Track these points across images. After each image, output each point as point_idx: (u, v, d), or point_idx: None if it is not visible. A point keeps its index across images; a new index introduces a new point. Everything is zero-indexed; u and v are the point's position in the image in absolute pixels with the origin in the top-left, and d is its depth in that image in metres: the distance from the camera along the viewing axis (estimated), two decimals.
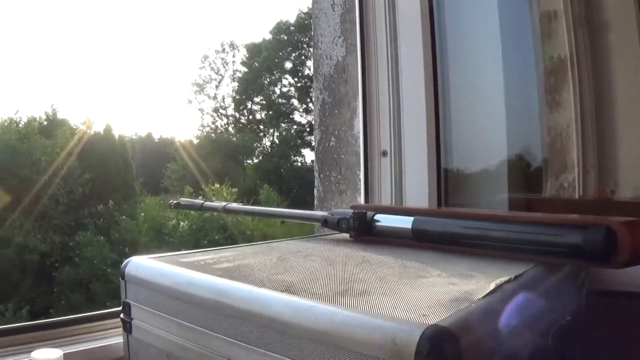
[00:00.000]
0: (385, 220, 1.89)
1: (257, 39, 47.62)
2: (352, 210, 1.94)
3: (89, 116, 26.54)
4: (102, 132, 25.21)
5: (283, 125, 45.43)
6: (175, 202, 2.60)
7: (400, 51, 2.66)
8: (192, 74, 64.78)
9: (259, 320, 1.19)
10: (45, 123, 26.19)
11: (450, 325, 0.96)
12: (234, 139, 41.93)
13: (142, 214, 21.80)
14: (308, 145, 45.80)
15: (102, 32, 68.24)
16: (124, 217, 21.99)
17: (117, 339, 2.34)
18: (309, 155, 46.48)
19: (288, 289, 1.23)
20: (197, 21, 71.79)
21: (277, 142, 44.58)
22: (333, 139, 2.94)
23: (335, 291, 1.22)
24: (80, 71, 67.96)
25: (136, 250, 20.48)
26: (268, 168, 39.79)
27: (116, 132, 26.26)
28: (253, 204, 21.52)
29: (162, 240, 20.35)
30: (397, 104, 2.64)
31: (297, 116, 46.58)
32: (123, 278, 1.64)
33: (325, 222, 1.98)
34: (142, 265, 1.61)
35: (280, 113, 45.34)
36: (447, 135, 2.63)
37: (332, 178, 2.93)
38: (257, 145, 43.53)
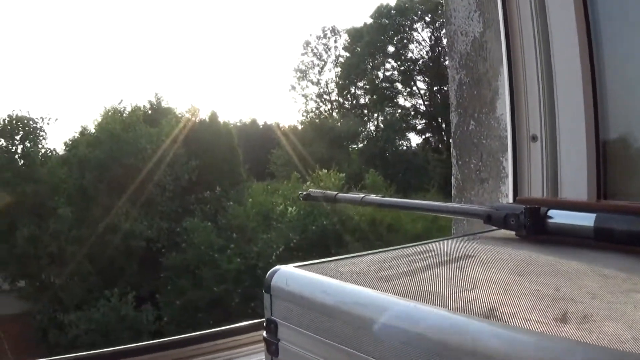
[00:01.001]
0: (560, 217, 1.62)
1: (358, 24, 47.45)
2: (521, 205, 1.66)
3: (193, 103, 26.65)
4: (207, 119, 25.42)
5: (387, 109, 45.32)
6: (304, 193, 2.39)
7: (550, 22, 2.38)
8: (294, 60, 65.03)
9: (458, 355, 0.93)
10: (149, 112, 26.51)
11: None
12: (339, 124, 41.91)
13: (250, 199, 21.82)
14: (413, 129, 45.65)
15: (205, 21, 69.04)
16: (231, 202, 22.06)
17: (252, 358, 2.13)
18: (414, 139, 46.31)
19: (492, 314, 0.97)
20: (298, 7, 72.13)
21: (382, 126, 44.43)
22: (472, 122, 2.68)
23: (551, 316, 0.96)
24: (184, 60, 69.00)
25: (245, 235, 20.54)
26: (373, 152, 39.63)
27: (221, 119, 26.49)
28: (360, 189, 21.39)
29: (269, 225, 20.32)
30: (549, 83, 2.36)
31: (401, 100, 46.45)
32: (268, 291, 1.40)
33: (488, 219, 1.71)
34: (293, 276, 1.37)
35: (384, 97, 45.22)
36: (606, 117, 2.34)
37: (472, 165, 2.67)
38: (361, 129, 43.43)
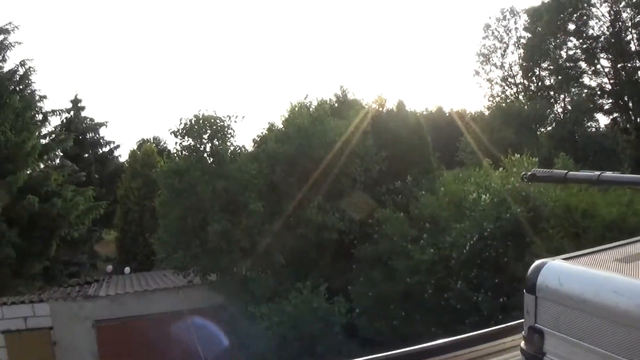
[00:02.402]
0: None
1: (536, 3, 46.47)
2: None
3: (379, 94, 26.50)
4: (394, 109, 25.23)
5: (573, 89, 44.24)
6: (529, 173, 2.12)
7: None
8: (476, 45, 64.64)
9: None
10: (335, 105, 26.61)
11: None
12: (525, 107, 41.01)
13: (442, 188, 21.47)
14: (600, 109, 44.38)
15: (386, 11, 69.56)
16: (422, 192, 21.86)
17: None
18: (602, 120, 45.12)
19: None
20: None
21: (569, 107, 43.43)
22: None
23: None
24: (368, 51, 69.93)
25: (438, 225, 20.15)
26: (562, 135, 38.70)
27: (408, 108, 26.26)
28: None
29: (462, 214, 19.85)
30: None
31: (586, 79, 45.34)
32: (532, 292, 1.06)
33: None
34: (568, 272, 1.03)
35: (569, 77, 44.20)
36: None
37: None
38: (548, 112, 42.50)
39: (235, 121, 22.48)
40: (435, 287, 18.93)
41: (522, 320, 1.66)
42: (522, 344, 1.21)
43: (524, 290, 1.21)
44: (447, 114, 47.42)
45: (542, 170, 2.21)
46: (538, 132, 40.06)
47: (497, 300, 17.49)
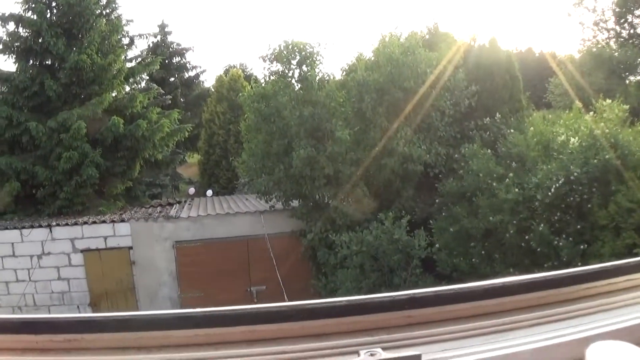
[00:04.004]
0: None
1: None
2: None
3: (471, 29, 26.12)
4: (487, 45, 24.67)
5: None
6: None
7: None
8: None
9: None
10: (427, 37, 26.27)
11: None
12: (616, 54, 40.01)
13: (531, 128, 20.99)
14: None
15: None
16: (511, 130, 21.60)
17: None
18: None
19: None
20: None
21: None
22: None
23: None
24: None
25: (524, 165, 19.72)
26: None
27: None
28: (631, 125, 20.19)
29: (549, 156, 19.38)
30: None
31: None
32: None
33: None
34: None
35: None
36: None
37: None
38: (639, 61, 41.38)
39: (324, 48, 22.38)
40: (517, 227, 18.71)
41: None
42: None
43: None
44: (537, 55, 46.63)
45: None
46: (627, 81, 38.99)
47: (578, 247, 17.26)
